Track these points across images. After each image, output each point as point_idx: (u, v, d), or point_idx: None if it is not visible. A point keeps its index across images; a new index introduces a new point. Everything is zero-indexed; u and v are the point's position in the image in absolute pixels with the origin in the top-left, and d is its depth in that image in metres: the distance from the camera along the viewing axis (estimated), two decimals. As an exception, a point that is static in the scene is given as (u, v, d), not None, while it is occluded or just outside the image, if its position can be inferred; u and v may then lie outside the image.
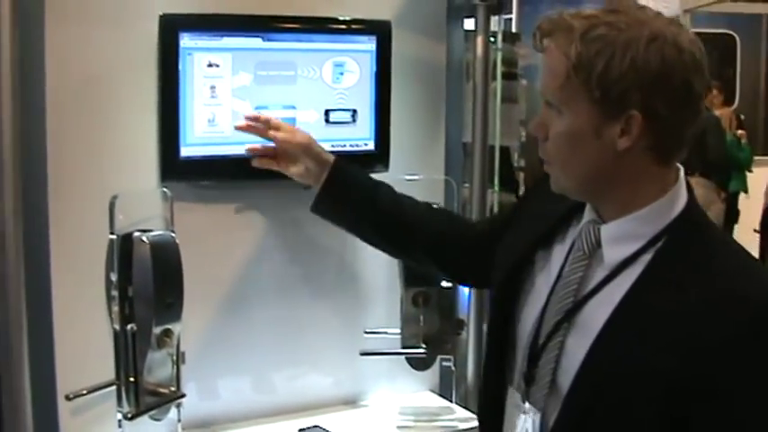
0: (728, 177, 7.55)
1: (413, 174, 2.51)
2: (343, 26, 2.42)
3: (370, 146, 2.48)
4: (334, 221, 2.05)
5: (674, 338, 1.22)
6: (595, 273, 1.35)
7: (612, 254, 1.33)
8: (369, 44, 2.43)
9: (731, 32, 10.57)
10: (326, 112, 2.40)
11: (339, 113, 2.42)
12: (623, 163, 1.30)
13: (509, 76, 2.81)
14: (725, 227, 7.36)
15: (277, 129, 1.99)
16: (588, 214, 1.40)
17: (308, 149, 1.96)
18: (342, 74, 2.41)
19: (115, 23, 2.21)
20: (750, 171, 8.05)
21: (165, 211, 2.27)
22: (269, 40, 2.31)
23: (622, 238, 1.33)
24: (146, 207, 2.27)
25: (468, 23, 2.76)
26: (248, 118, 1.97)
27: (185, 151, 2.27)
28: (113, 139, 2.25)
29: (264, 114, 1.96)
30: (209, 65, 2.26)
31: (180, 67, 2.23)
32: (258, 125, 2.05)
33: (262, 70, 2.32)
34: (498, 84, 2.74)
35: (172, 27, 2.22)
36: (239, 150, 2.29)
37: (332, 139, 2.38)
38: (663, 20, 1.27)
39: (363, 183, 2.00)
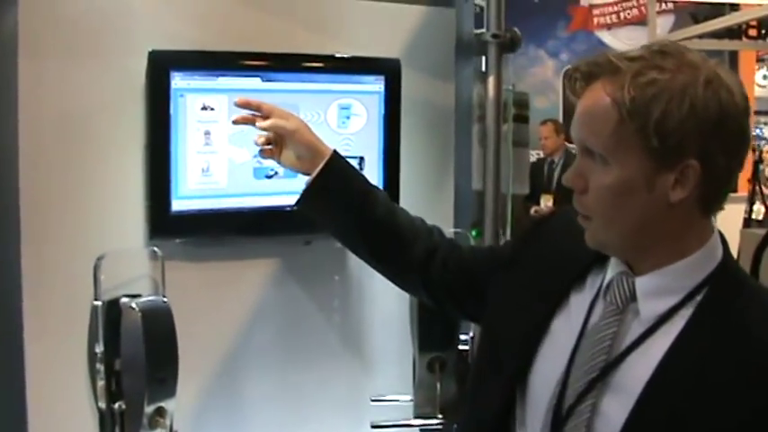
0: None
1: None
2: (350, 65, 2.21)
3: (379, 196, 2.25)
4: (319, 217, 1.76)
5: (723, 399, 1.15)
6: (630, 328, 1.24)
7: (649, 308, 1.23)
8: (376, 84, 2.22)
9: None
10: (332, 160, 2.18)
11: (345, 161, 2.19)
12: (671, 215, 1.20)
13: (520, 118, 2.61)
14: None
15: (269, 114, 1.75)
16: (616, 265, 1.28)
17: (301, 135, 1.72)
18: (348, 117, 2.19)
19: (99, 59, 1.99)
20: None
21: (155, 271, 2.04)
22: (269, 80, 2.09)
23: (659, 292, 1.23)
24: (132, 267, 2.03)
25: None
26: (240, 103, 1.74)
27: (177, 205, 2.03)
28: (95, 190, 2.01)
29: (255, 101, 1.73)
30: (204, 108, 2.03)
31: (171, 110, 2.00)
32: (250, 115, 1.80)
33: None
34: (510, 127, 2.54)
35: (162, 65, 1.99)
36: (237, 203, 2.07)
37: (337, 189, 2.16)
38: (710, 61, 1.20)
39: (360, 180, 1.74)
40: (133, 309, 1.87)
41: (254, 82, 2.09)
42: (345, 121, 2.19)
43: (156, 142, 2.01)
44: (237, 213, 2.07)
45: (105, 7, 2.00)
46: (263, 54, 2.12)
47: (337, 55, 2.22)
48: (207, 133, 2.05)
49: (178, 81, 2.00)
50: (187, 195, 2.04)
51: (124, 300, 1.91)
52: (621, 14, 9.71)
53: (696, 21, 9.28)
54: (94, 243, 1.96)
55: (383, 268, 1.79)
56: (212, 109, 2.05)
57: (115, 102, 2.02)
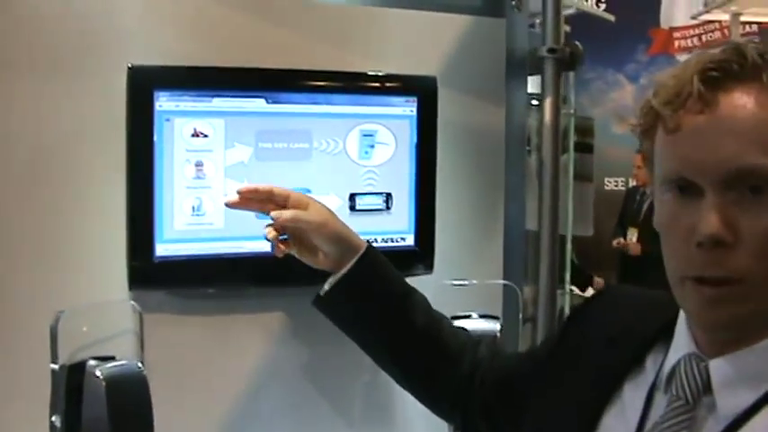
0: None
1: (461, 279, 1.93)
2: (375, 83, 1.86)
3: (409, 240, 1.89)
4: (340, 321, 1.46)
5: None
6: (704, 428, 0.98)
7: (730, 401, 0.96)
8: (408, 107, 1.86)
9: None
10: (352, 198, 1.83)
11: (368, 199, 1.85)
12: None
13: (584, 147, 2.22)
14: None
15: (284, 202, 1.40)
16: (681, 345, 1.02)
17: (329, 227, 1.39)
18: (372, 147, 1.84)
19: (72, 77, 1.67)
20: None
21: (135, 326, 1.70)
22: (275, 101, 1.75)
23: (745, 379, 0.97)
24: (110, 323, 1.70)
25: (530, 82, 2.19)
26: (243, 193, 1.40)
27: (162, 249, 1.70)
28: (67, 231, 1.71)
29: (264, 186, 1.40)
30: (195, 134, 1.71)
31: (155, 137, 1.67)
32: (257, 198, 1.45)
33: (265, 142, 1.75)
34: (571, 157, 2.15)
35: (144, 83, 1.67)
36: (235, 247, 1.73)
37: (360, 234, 1.81)
38: None
39: (398, 280, 1.46)
40: (97, 376, 1.54)
41: (256, 104, 1.75)
42: (369, 150, 1.84)
43: (137, 175, 1.68)
44: (235, 260, 1.73)
45: (80, 16, 1.68)
46: (268, 69, 1.78)
47: (359, 71, 1.86)
48: (199, 165, 1.71)
49: (164, 102, 1.67)
50: (174, 238, 1.71)
51: (91, 363, 1.58)
52: (703, 37, 9.20)
53: (783, 43, 8.75)
54: (64, 293, 1.64)
55: (415, 387, 1.47)
56: (205, 136, 1.71)
57: (92, 127, 1.71)
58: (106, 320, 1.70)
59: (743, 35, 8.04)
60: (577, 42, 2.09)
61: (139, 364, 1.61)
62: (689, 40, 8.44)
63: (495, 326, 1.89)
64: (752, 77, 0.90)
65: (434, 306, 1.46)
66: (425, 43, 2.00)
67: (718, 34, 9.64)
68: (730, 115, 0.90)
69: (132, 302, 1.68)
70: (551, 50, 2.07)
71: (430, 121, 1.89)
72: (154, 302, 1.74)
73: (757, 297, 0.92)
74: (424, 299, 1.47)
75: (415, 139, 1.88)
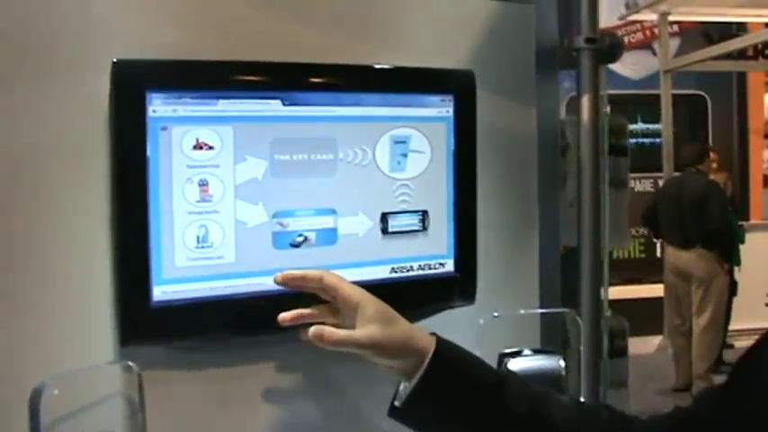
0: (731, 248, 6.81)
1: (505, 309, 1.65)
2: (408, 80, 1.54)
3: (449, 266, 1.58)
4: (425, 429, 1.18)
5: None
6: None
7: None
8: (443, 108, 1.56)
9: (701, 93, 10.11)
10: (384, 218, 1.51)
11: (403, 219, 1.53)
12: None
13: (618, 150, 1.96)
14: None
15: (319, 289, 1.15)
16: None
17: (383, 345, 1.14)
18: (405, 156, 1.52)
19: (41, 80, 1.30)
20: (742, 242, 7.36)
21: (130, 388, 1.35)
22: (293, 103, 1.42)
23: None
24: (101, 385, 1.34)
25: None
26: (285, 282, 1.15)
27: (160, 292, 1.34)
28: (38, 272, 1.32)
29: (295, 274, 1.14)
30: (198, 146, 1.36)
31: (148, 150, 1.31)
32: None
33: (282, 153, 1.42)
34: (606, 162, 1.88)
35: (133, 83, 1.31)
36: (249, 285, 1.41)
37: (392, 260, 1.51)
38: None
39: (482, 368, 1.21)
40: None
41: (271, 106, 1.41)
42: (402, 160, 1.52)
43: (126, 200, 1.32)
44: (252, 300, 1.39)
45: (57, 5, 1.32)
46: (284, 65, 1.44)
47: (389, 66, 1.54)
48: (203, 183, 1.37)
49: (158, 106, 1.32)
50: (175, 278, 1.35)
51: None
52: (626, 38, 9.21)
53: (711, 41, 8.79)
54: (42, 356, 1.28)
55: None
56: (210, 148, 1.37)
57: (67, 141, 1.34)
58: (96, 387, 1.34)
59: (670, 35, 8.07)
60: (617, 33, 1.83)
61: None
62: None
63: (557, 363, 1.60)
64: None
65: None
66: (448, 33, 1.69)
67: (640, 35, 9.69)
68: None
69: (130, 363, 1.32)
70: (589, 40, 1.79)
71: (468, 124, 1.59)
72: (150, 357, 1.38)
73: None
74: (519, 379, 1.22)
75: (452, 146, 1.57)
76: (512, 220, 1.80)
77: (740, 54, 8.72)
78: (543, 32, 1.85)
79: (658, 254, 7.56)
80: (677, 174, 6.93)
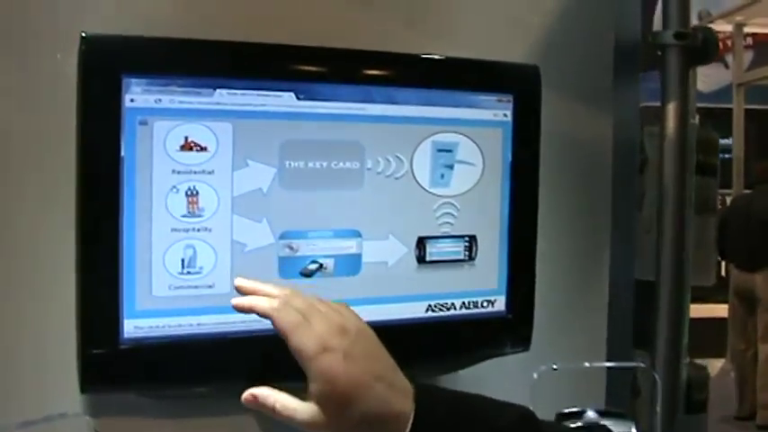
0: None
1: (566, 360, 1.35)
2: (455, 73, 1.26)
3: (499, 304, 1.29)
4: None
5: None
6: None
7: None
8: (501, 110, 1.27)
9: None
10: (420, 244, 1.22)
11: (444, 245, 1.24)
12: None
13: (706, 169, 1.65)
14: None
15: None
16: None
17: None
18: (450, 167, 1.24)
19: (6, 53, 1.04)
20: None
21: (90, 448, 1.08)
22: (310, 97, 1.14)
23: None
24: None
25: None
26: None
27: (132, 327, 1.07)
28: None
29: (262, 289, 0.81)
30: (187, 146, 1.08)
31: (123, 149, 1.04)
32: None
33: (294, 159, 1.14)
34: (693, 183, 1.57)
35: (107, 64, 1.04)
36: (247, 322, 1.10)
37: (429, 296, 1.22)
38: None
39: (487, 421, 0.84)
40: None
41: (282, 100, 1.13)
42: (445, 173, 1.23)
43: (94, 211, 1.05)
44: (248, 340, 1.11)
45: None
46: (300, 49, 1.16)
47: (433, 56, 1.25)
48: (192, 194, 1.09)
49: (137, 95, 1.05)
50: (152, 309, 1.08)
51: None
52: (697, 48, 8.81)
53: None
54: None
55: None
56: (203, 149, 1.09)
57: (23, 136, 1.07)
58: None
59: (744, 47, 7.69)
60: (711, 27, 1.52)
61: None
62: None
63: (628, 430, 1.30)
64: None
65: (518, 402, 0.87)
66: (510, 22, 1.41)
67: (712, 45, 9.28)
68: None
69: (87, 417, 1.05)
70: (679, 35, 1.48)
71: (531, 131, 1.29)
72: (118, 407, 1.11)
73: None
74: (529, 411, 0.86)
75: (509, 157, 1.27)
76: (578, 250, 1.51)
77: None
78: (624, 27, 1.56)
79: (723, 272, 7.24)
80: (747, 191, 6.59)
